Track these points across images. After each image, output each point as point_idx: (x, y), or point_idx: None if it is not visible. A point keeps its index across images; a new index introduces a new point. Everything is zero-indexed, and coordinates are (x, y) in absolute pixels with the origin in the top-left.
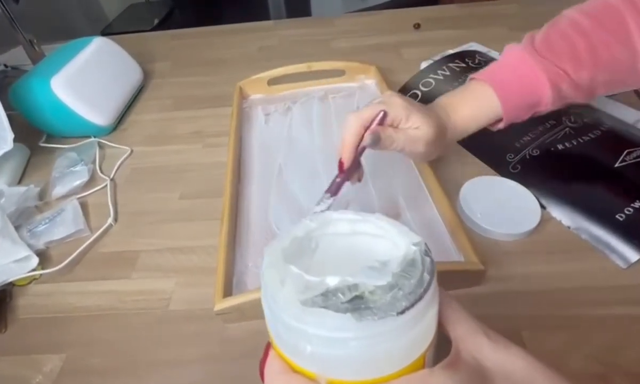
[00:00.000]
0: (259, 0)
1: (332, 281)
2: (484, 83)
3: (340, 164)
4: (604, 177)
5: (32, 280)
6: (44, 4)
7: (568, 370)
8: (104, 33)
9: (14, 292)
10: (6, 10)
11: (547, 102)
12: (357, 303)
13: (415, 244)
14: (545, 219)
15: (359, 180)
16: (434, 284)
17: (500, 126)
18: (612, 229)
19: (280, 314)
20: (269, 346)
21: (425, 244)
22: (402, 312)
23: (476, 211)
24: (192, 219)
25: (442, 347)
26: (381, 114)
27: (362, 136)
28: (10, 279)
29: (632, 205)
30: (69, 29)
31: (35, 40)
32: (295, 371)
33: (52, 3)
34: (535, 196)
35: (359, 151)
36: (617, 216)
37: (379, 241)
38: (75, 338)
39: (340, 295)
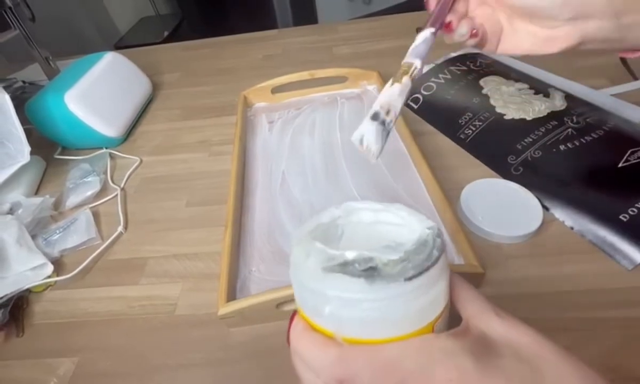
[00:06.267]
0: (266, 8)
1: (350, 255)
2: None
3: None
4: (608, 177)
5: (47, 287)
6: (60, 21)
7: None
8: (117, 46)
9: (30, 298)
10: (23, 28)
11: None
12: (371, 272)
13: (429, 228)
14: (548, 221)
15: (476, 35)
16: (442, 260)
17: None
18: (616, 229)
19: (304, 280)
20: (294, 314)
21: (439, 229)
22: (410, 279)
23: (477, 213)
24: (198, 227)
25: (455, 326)
26: None
27: None
28: (27, 286)
29: (636, 205)
30: (83, 43)
31: (50, 57)
32: (315, 330)
33: (68, 20)
34: (537, 197)
35: None
36: (621, 217)
37: (400, 229)
38: (87, 343)
39: (357, 265)
